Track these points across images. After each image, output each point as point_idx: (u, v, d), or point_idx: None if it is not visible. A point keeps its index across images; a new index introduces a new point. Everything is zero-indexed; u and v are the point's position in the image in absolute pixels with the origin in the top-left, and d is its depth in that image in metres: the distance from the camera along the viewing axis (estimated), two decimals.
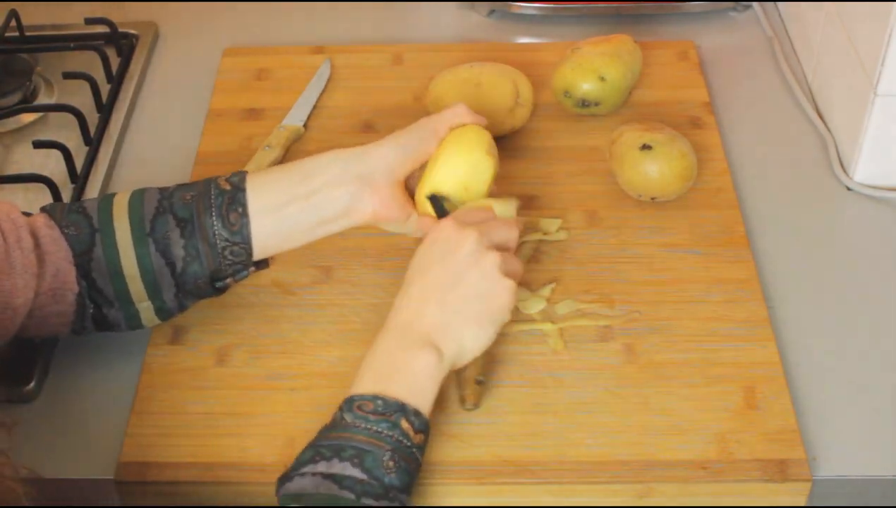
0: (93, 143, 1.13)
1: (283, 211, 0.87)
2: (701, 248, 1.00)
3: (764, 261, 0.99)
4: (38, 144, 1.09)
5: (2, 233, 0.83)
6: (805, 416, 0.88)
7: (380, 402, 0.78)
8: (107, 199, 0.89)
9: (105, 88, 1.19)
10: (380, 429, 0.77)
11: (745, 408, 0.87)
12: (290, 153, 1.11)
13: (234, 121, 1.15)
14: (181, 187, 0.89)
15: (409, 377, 0.79)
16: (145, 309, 0.88)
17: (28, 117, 1.17)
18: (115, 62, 1.23)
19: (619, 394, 0.88)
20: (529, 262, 0.98)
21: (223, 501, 0.85)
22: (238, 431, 0.87)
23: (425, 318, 0.81)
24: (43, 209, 0.89)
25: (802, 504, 0.84)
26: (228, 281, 0.89)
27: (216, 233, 0.86)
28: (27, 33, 1.26)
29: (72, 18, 1.28)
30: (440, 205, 0.89)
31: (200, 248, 0.86)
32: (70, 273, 0.86)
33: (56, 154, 1.08)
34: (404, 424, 0.77)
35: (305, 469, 0.76)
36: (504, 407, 0.88)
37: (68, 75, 1.18)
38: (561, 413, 0.87)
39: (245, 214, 0.86)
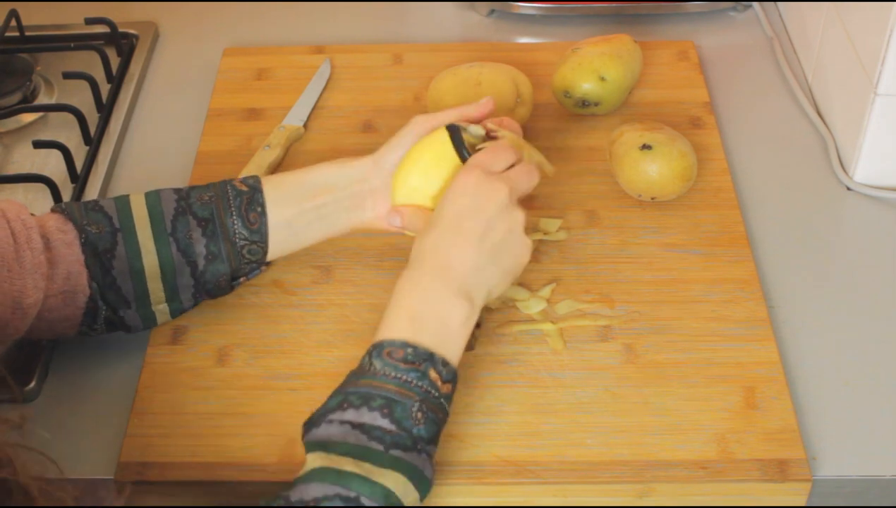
0: (93, 143, 1.13)
1: (295, 223, 0.90)
2: (701, 248, 1.00)
3: (764, 261, 0.99)
4: (38, 144, 1.09)
5: (12, 234, 0.83)
6: (805, 416, 0.88)
7: (410, 350, 0.78)
8: (123, 200, 0.90)
9: (105, 88, 1.19)
10: (409, 378, 0.77)
11: (745, 408, 0.87)
12: (290, 153, 1.11)
13: (234, 121, 1.15)
14: (195, 188, 0.91)
15: (441, 326, 0.80)
16: (161, 311, 0.90)
17: (28, 117, 1.17)
18: (115, 62, 1.23)
19: (619, 394, 0.88)
20: (529, 262, 0.98)
21: (223, 501, 0.85)
22: (238, 431, 0.87)
23: (463, 262, 0.81)
24: (56, 208, 0.89)
25: (802, 504, 0.84)
26: (241, 279, 0.92)
27: (237, 231, 0.89)
28: (27, 33, 1.26)
29: (72, 18, 1.28)
30: (459, 139, 0.88)
31: (223, 247, 0.88)
32: (82, 276, 0.86)
33: (56, 154, 1.08)
34: (433, 374, 0.78)
35: (333, 416, 0.76)
36: (504, 407, 0.88)
37: (68, 75, 1.18)
38: (561, 413, 0.87)
39: (264, 213, 0.89)
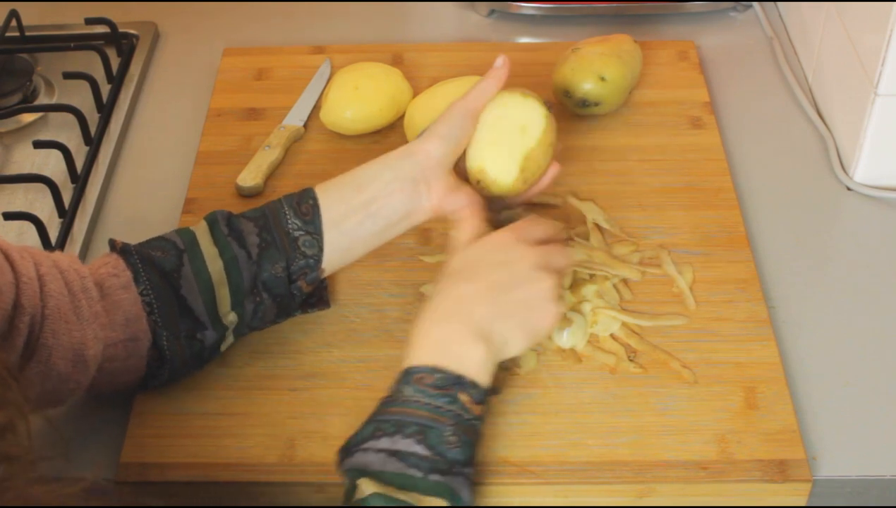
0: (93, 143, 1.13)
1: (344, 224, 0.88)
2: (701, 248, 1.00)
3: (764, 261, 0.99)
4: (38, 144, 1.09)
5: (66, 284, 0.81)
6: (805, 416, 0.88)
7: (439, 375, 0.78)
8: (184, 228, 0.88)
9: (105, 88, 1.19)
10: (440, 404, 0.77)
11: (745, 408, 0.87)
12: (290, 153, 1.11)
13: (234, 121, 1.15)
14: (247, 211, 0.90)
15: (461, 363, 0.79)
16: (231, 323, 0.87)
17: (28, 117, 1.17)
18: (115, 62, 1.23)
19: (619, 395, 0.88)
20: None
21: (223, 501, 0.85)
22: (238, 431, 0.87)
23: (478, 310, 0.81)
24: (111, 249, 0.87)
25: (802, 504, 0.84)
26: (301, 282, 0.89)
27: (289, 221, 0.87)
28: (27, 33, 1.26)
29: (72, 18, 1.28)
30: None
31: (276, 235, 0.87)
32: (141, 320, 0.84)
33: (56, 154, 1.09)
34: (463, 397, 0.78)
35: (367, 445, 0.76)
36: (504, 407, 0.88)
37: (68, 75, 1.18)
38: (561, 413, 0.87)
39: (316, 206, 0.88)
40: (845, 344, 0.93)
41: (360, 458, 0.76)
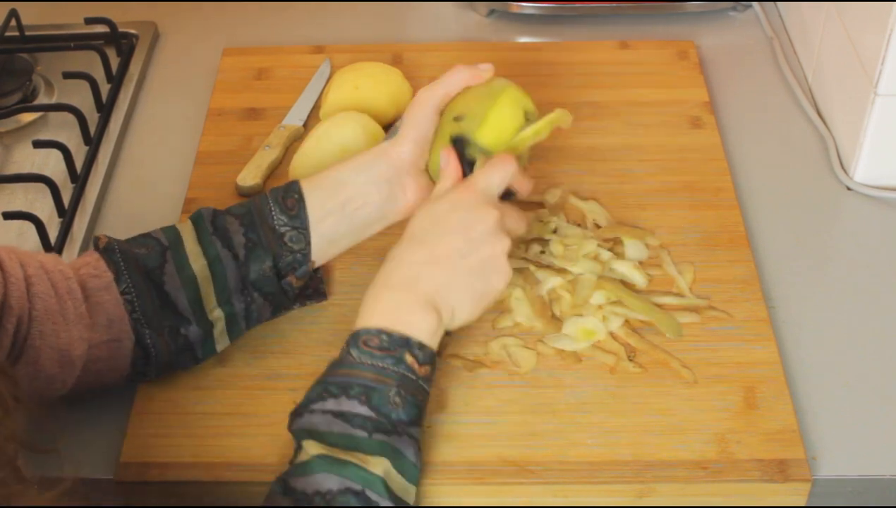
0: (93, 143, 1.13)
1: (322, 225, 0.89)
2: (701, 248, 1.00)
3: (764, 261, 1.00)
4: (38, 144, 1.09)
5: (53, 286, 0.81)
6: (805, 416, 0.88)
7: (385, 337, 0.78)
8: (170, 226, 0.89)
9: (105, 88, 1.19)
10: (385, 365, 0.78)
11: (745, 408, 0.87)
12: (290, 153, 1.11)
13: (234, 121, 1.15)
14: (233, 205, 0.90)
15: (413, 325, 0.80)
16: (218, 319, 0.88)
17: (28, 117, 1.17)
18: (115, 62, 1.23)
19: (619, 394, 0.88)
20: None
21: (224, 501, 0.85)
22: (238, 431, 0.87)
23: (432, 279, 0.81)
24: (95, 247, 0.87)
25: (802, 504, 0.84)
26: (291, 278, 0.89)
27: (275, 217, 0.88)
28: (27, 33, 1.26)
29: (72, 18, 1.28)
30: (462, 150, 0.87)
31: (262, 233, 0.87)
32: (124, 320, 0.84)
33: (56, 154, 1.09)
34: (409, 358, 0.78)
35: (315, 406, 0.77)
36: (504, 407, 0.88)
37: (68, 75, 1.18)
38: (561, 413, 0.87)
39: (301, 200, 0.88)
40: (845, 344, 0.93)
41: (307, 420, 0.77)
